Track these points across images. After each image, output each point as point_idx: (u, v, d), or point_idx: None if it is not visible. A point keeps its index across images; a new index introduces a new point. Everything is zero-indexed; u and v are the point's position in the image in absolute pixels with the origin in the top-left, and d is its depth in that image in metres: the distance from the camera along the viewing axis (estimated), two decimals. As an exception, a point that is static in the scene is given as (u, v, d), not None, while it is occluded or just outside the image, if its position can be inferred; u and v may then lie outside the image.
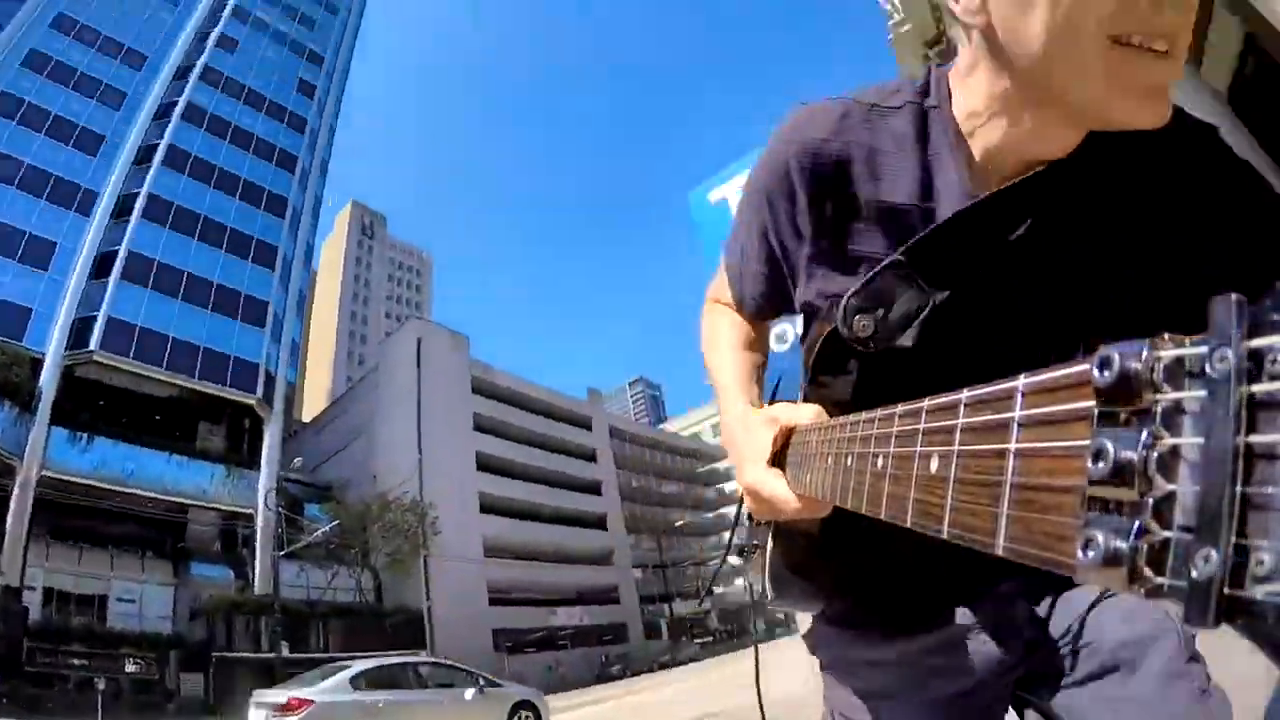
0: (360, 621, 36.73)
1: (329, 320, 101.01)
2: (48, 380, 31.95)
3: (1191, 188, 0.80)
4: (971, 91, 0.83)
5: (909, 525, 0.48)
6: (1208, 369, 0.28)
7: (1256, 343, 0.27)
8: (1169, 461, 0.30)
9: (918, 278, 0.79)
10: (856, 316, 0.80)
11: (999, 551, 0.38)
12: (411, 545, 39.00)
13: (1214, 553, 0.26)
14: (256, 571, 35.35)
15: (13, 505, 28.84)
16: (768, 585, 0.96)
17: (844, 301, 0.81)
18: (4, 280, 33.13)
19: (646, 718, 15.76)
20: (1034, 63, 0.72)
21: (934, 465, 0.45)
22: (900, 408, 0.53)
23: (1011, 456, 0.38)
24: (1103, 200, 0.81)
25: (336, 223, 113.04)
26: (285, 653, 27.86)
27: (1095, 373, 0.32)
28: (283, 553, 31.93)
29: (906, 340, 0.81)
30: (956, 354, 0.81)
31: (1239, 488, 0.26)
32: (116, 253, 36.19)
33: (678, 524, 65.69)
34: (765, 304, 1.06)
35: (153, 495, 33.65)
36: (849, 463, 0.61)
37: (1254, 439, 0.26)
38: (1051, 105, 0.75)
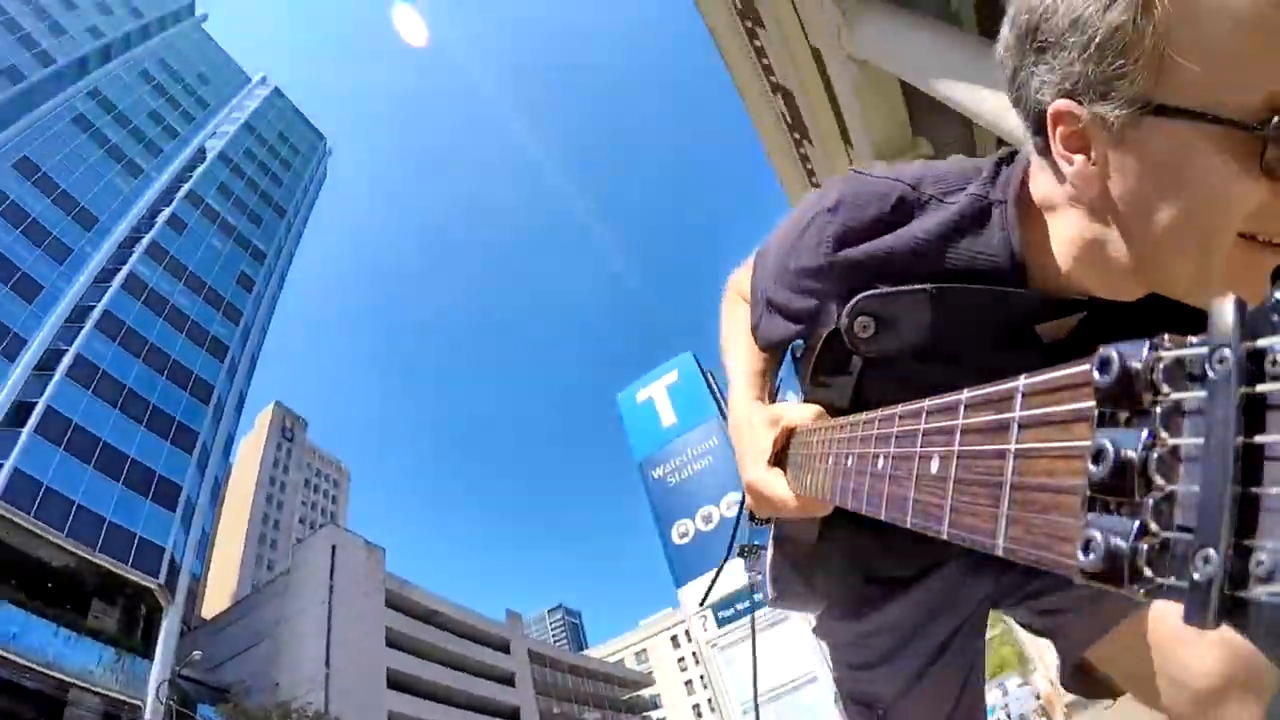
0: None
1: (239, 519, 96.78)
2: None
3: None
4: (1054, 224, 0.79)
5: (909, 525, 0.48)
6: (1207, 369, 0.28)
7: (1256, 343, 0.27)
8: (1169, 462, 0.30)
9: (937, 315, 0.79)
10: (860, 318, 0.79)
11: (999, 552, 0.38)
12: (314, 760, 36.69)
13: (1214, 553, 0.26)
14: (141, 770, 32.62)
15: None
16: (769, 586, 0.95)
17: (853, 303, 0.80)
18: None
19: None
20: (1153, 243, 0.68)
21: (934, 466, 0.45)
22: (900, 408, 0.53)
23: (1011, 457, 0.38)
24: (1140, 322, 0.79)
25: (258, 421, 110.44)
26: None
27: (1095, 373, 0.32)
28: (172, 755, 29.26)
29: (903, 356, 0.82)
30: (955, 361, 0.83)
31: (1239, 488, 0.26)
32: (34, 405, 34.46)
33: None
34: (772, 342, 1.04)
35: (33, 666, 30.92)
36: (849, 463, 0.61)
37: (1254, 439, 0.26)
38: (1146, 277, 0.72)
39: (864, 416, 0.61)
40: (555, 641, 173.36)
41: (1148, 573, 0.29)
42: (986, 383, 0.64)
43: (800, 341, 1.01)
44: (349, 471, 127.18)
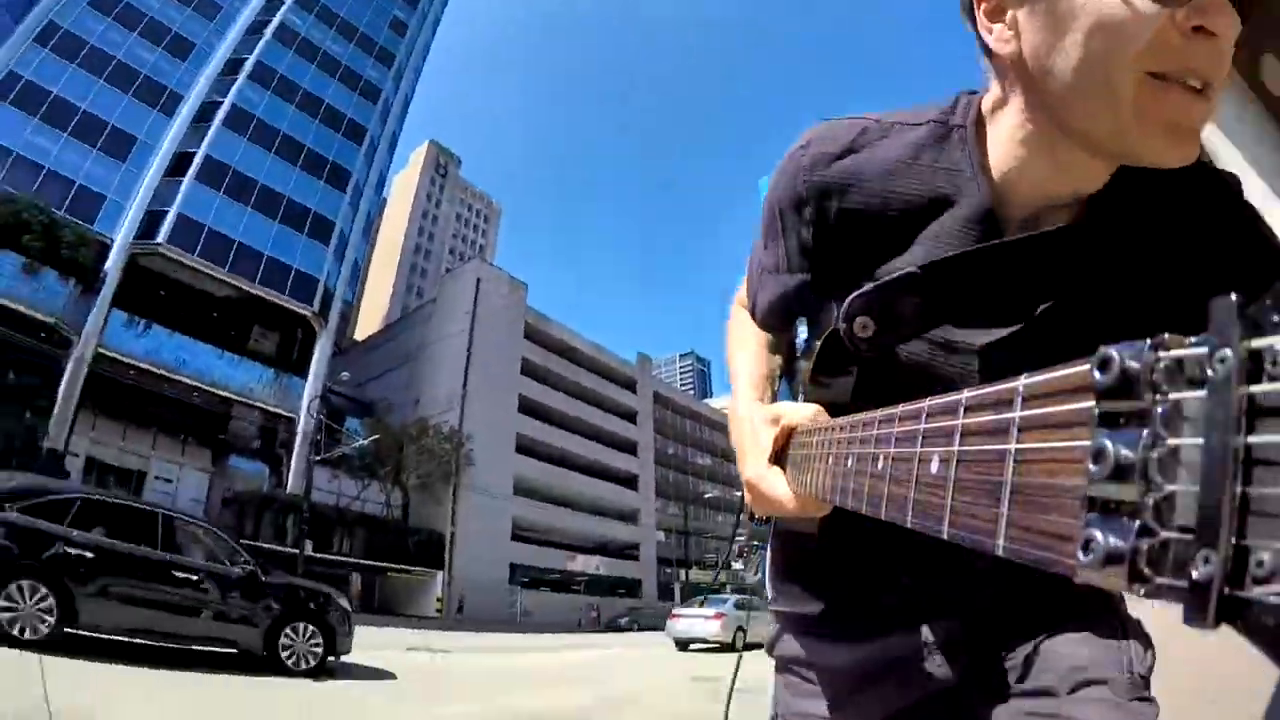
0: (384, 534, 37.96)
1: (393, 249, 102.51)
2: (113, 265, 33.43)
3: (1205, 241, 0.79)
4: (999, 125, 0.82)
5: (909, 526, 0.49)
6: (1208, 369, 0.28)
7: (1256, 343, 0.27)
8: (1169, 462, 0.30)
9: (930, 296, 0.78)
10: (858, 319, 0.79)
11: (999, 552, 0.38)
12: (443, 471, 40.34)
13: (1213, 553, 0.26)
14: (291, 471, 36.84)
15: (66, 376, 30.65)
16: (766, 584, 0.96)
17: (847, 302, 0.79)
18: (83, 165, 34.50)
19: (641, 668, 15.61)
20: (1065, 93, 0.71)
21: (934, 466, 0.45)
22: (901, 409, 0.53)
23: (1011, 458, 0.38)
24: (1120, 246, 0.80)
25: (411, 159, 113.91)
26: (309, 551, 28.89)
27: (1095, 374, 0.32)
28: (319, 458, 33.07)
29: (904, 350, 0.82)
30: (954, 350, 0.85)
31: (1239, 488, 0.26)
32: (194, 154, 37.52)
33: (706, 495, 65.67)
34: (774, 314, 1.06)
35: (200, 386, 35.24)
36: (849, 463, 0.61)
37: (1254, 440, 0.26)
38: (1079, 139, 0.74)
39: (864, 417, 0.61)
40: (682, 385, 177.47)
41: (1148, 573, 0.29)
42: (986, 369, 0.75)
43: (803, 342, 1.04)
44: (500, 209, 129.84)
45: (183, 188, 36.26)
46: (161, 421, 35.49)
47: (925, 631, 0.97)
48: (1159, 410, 0.30)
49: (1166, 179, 0.74)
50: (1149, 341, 0.32)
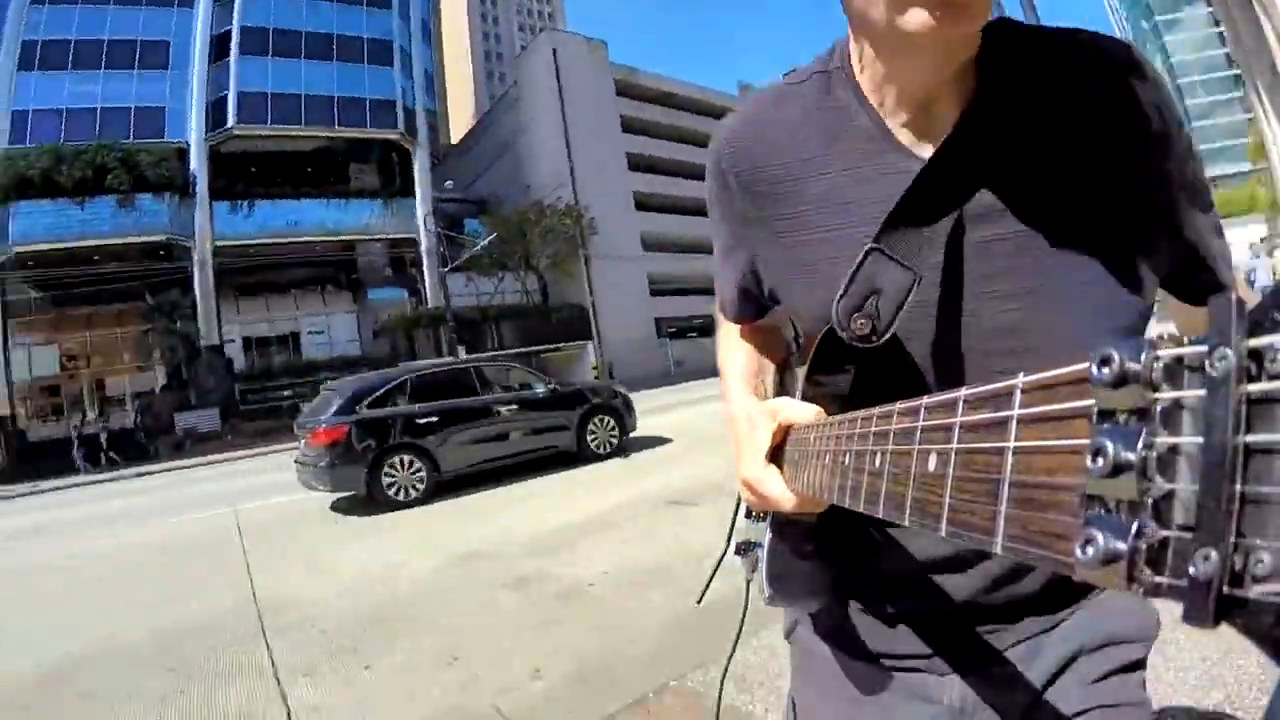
0: (529, 320, 39.66)
1: (460, 45, 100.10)
2: (198, 164, 34.96)
3: (1101, 112, 0.80)
4: (857, 53, 0.87)
5: (907, 523, 0.49)
6: (1207, 368, 0.28)
7: (1256, 342, 0.27)
8: (1168, 460, 0.30)
9: (895, 258, 0.78)
10: (853, 317, 0.78)
11: (997, 550, 0.38)
12: (570, 247, 41.09)
13: (1213, 552, 0.26)
14: (427, 288, 38.80)
15: (196, 279, 33.74)
16: (765, 582, 0.95)
17: (836, 306, 0.78)
18: (130, 90, 35.29)
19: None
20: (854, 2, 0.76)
21: (932, 463, 0.45)
22: (899, 405, 0.53)
23: (1010, 454, 0.38)
24: (1025, 134, 0.80)
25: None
26: (462, 354, 30.25)
27: (1094, 371, 0.32)
28: (448, 268, 34.64)
29: (901, 324, 0.80)
30: (945, 337, 0.84)
31: (1239, 487, 0.26)
32: (230, 31, 37.17)
33: None
34: (740, 301, 1.10)
35: (319, 239, 37.16)
36: (846, 461, 0.61)
37: (1254, 438, 0.26)
38: (877, 39, 0.79)
39: (861, 414, 0.60)
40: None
41: (1147, 572, 0.29)
42: (974, 345, 0.78)
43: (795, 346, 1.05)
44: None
45: (232, 67, 36.47)
46: (296, 283, 38.28)
47: (938, 661, 0.98)
48: (1158, 408, 0.30)
49: (1048, 57, 0.80)
50: (1149, 340, 0.31)
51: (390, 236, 39.49)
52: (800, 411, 0.81)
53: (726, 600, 1.29)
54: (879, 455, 0.54)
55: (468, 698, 3.75)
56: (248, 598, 6.32)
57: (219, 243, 34.41)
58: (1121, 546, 0.30)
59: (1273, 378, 0.26)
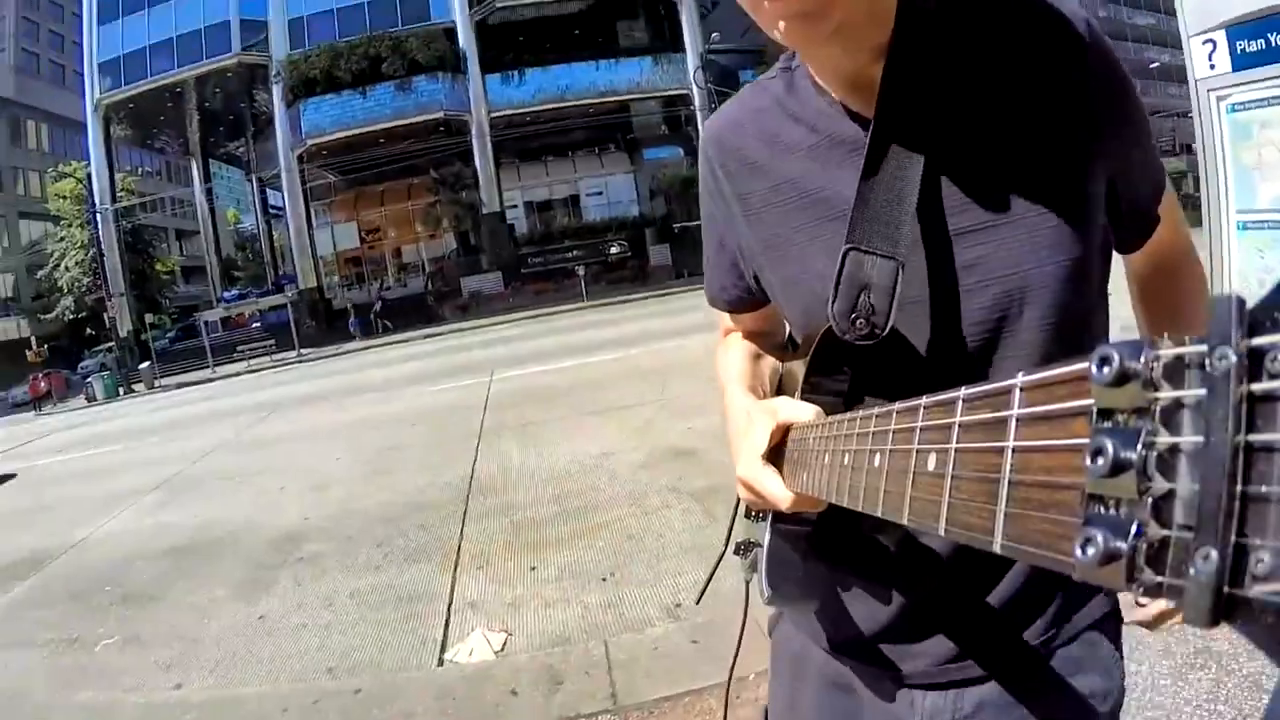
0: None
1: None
2: (465, 41, 35.93)
3: (1048, 81, 0.83)
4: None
5: (906, 523, 0.49)
6: (1207, 367, 0.28)
7: (1256, 341, 0.27)
8: (1168, 460, 0.30)
9: (872, 251, 0.80)
10: (851, 318, 0.80)
11: (997, 549, 0.38)
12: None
13: (1213, 551, 0.26)
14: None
15: (475, 150, 35.69)
16: (764, 583, 0.93)
17: (830, 311, 0.79)
18: None
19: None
20: None
21: (931, 463, 0.45)
22: (898, 405, 0.52)
23: (1009, 454, 0.38)
24: (965, 93, 0.84)
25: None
26: None
27: (1094, 370, 0.32)
28: (725, 121, 33.26)
29: (898, 321, 0.80)
30: (940, 331, 0.85)
31: (1239, 486, 0.26)
32: None
33: (1152, 66, 54.32)
34: (729, 292, 1.14)
35: (592, 100, 37.39)
36: (845, 460, 0.61)
37: (1254, 437, 0.26)
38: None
39: (860, 413, 0.60)
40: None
41: (1147, 571, 0.29)
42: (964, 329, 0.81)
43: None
44: None
45: None
46: (573, 145, 39.59)
47: (914, 663, 0.98)
48: (1158, 408, 0.30)
49: (974, 17, 0.84)
50: (1149, 339, 0.31)
51: (663, 94, 38.81)
52: (799, 411, 0.82)
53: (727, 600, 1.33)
54: (878, 455, 0.54)
55: (608, 617, 3.98)
56: (466, 476, 6.98)
57: (494, 114, 35.70)
58: (1121, 546, 0.30)
59: (1273, 377, 0.26)
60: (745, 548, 1.02)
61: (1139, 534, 0.29)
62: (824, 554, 0.91)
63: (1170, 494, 0.29)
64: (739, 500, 1.04)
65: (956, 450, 0.43)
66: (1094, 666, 0.96)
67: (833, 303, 0.80)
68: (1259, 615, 0.25)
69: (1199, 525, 0.27)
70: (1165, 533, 0.29)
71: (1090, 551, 0.30)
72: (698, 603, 1.55)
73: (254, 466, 9.68)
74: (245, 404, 17.47)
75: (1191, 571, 0.27)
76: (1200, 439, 0.28)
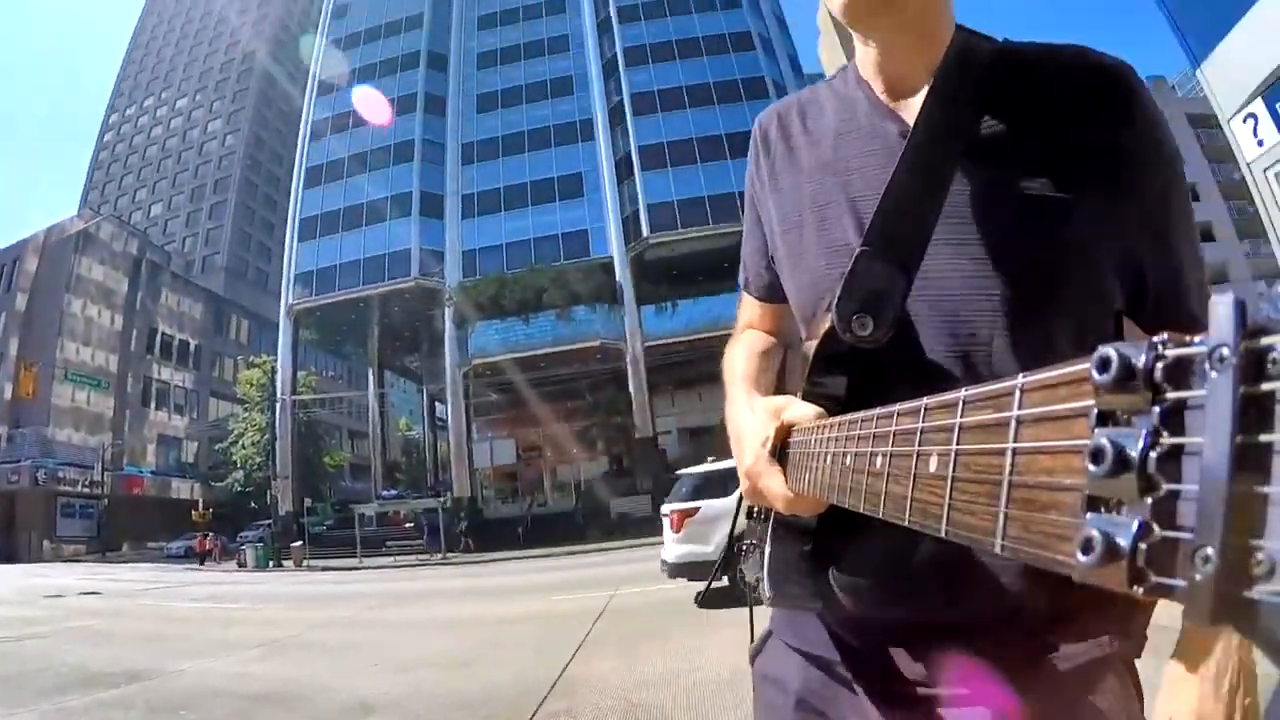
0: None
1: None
2: (622, 274, 38.88)
3: (1086, 124, 0.84)
4: (856, 48, 1.02)
5: (907, 524, 0.48)
6: (1208, 368, 0.28)
7: (1256, 342, 0.27)
8: (1169, 461, 0.29)
9: (885, 257, 0.82)
10: (854, 318, 0.80)
11: (997, 550, 0.38)
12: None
13: (1213, 552, 0.26)
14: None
15: (630, 378, 37.26)
16: (766, 583, 0.93)
17: (833, 307, 0.81)
18: (555, 219, 41.37)
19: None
20: None
21: (933, 464, 0.45)
22: (899, 406, 0.52)
23: (1011, 455, 0.38)
24: (1005, 126, 0.86)
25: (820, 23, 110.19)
26: None
27: (1095, 372, 0.32)
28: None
29: (901, 324, 0.82)
30: (943, 336, 0.85)
31: (1239, 487, 0.26)
32: (630, 153, 41.38)
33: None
34: (761, 276, 1.17)
35: None
36: (847, 461, 0.61)
37: (1254, 438, 0.26)
38: (846, 30, 0.94)
39: (862, 414, 0.60)
40: None
41: (1147, 572, 0.29)
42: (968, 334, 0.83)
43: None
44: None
45: (638, 183, 40.16)
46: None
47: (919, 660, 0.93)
48: (1159, 409, 0.30)
49: (1025, 60, 0.89)
50: (1149, 340, 0.31)
51: (808, 328, 39.83)
52: (802, 411, 0.81)
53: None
54: (880, 456, 0.54)
55: None
56: (551, 677, 6.87)
57: (648, 343, 37.61)
58: (1122, 546, 0.30)
59: (1273, 378, 0.26)
60: (747, 548, 1.02)
61: (1140, 534, 0.29)
62: (826, 555, 0.89)
63: (1171, 495, 0.29)
64: (740, 500, 1.04)
65: (958, 451, 0.42)
66: (1107, 690, 0.88)
67: (837, 302, 0.81)
68: (1259, 615, 0.25)
69: (1199, 525, 0.27)
70: (1166, 533, 0.29)
71: (1091, 552, 0.30)
72: (699, 604, 1.39)
73: (358, 641, 10.21)
74: (375, 590, 18.35)
75: (1193, 572, 0.27)
76: (1201, 439, 0.28)
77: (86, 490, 48.43)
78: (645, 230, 38.60)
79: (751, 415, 0.90)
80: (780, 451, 0.84)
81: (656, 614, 10.05)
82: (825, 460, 0.68)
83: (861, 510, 0.57)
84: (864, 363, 0.84)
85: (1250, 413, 0.26)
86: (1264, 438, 0.26)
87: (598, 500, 37.50)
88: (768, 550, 0.93)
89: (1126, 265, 0.84)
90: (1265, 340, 0.27)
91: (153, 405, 57.68)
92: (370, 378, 52.36)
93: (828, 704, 1.00)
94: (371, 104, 44.24)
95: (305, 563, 33.21)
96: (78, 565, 38.80)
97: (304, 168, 46.86)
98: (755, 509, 1.01)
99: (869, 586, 0.90)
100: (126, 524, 49.23)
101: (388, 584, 21.04)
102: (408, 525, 37.41)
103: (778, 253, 1.07)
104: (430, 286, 40.69)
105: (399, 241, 41.84)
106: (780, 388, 1.08)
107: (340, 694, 7.01)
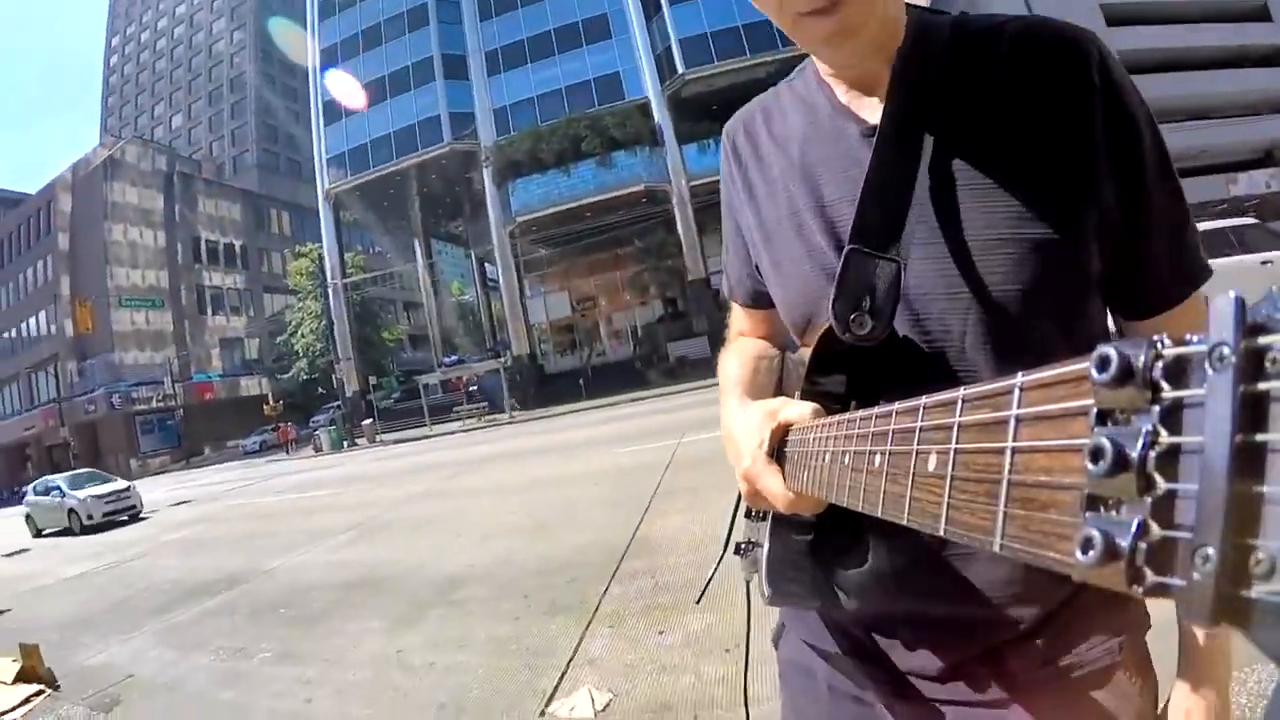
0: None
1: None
2: (660, 115, 37.51)
3: (1051, 97, 0.83)
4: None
5: (906, 523, 0.48)
6: (1207, 367, 0.28)
7: (1256, 341, 0.27)
8: (1168, 460, 0.30)
9: (875, 253, 0.82)
10: (852, 318, 0.81)
11: (996, 549, 0.38)
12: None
13: (1212, 551, 0.26)
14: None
15: (678, 219, 36.59)
16: (764, 582, 0.92)
17: (831, 309, 0.82)
18: (584, 64, 39.84)
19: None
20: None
21: (932, 463, 0.45)
22: (898, 405, 0.52)
23: (1009, 454, 0.38)
24: (970, 109, 0.86)
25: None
26: None
27: (1094, 370, 0.32)
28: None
29: (898, 322, 0.82)
30: (940, 333, 0.86)
31: (1239, 486, 0.26)
32: None
33: None
34: (745, 283, 1.18)
35: None
36: (846, 460, 0.61)
37: (1254, 437, 0.26)
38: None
39: (861, 413, 0.60)
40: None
41: (1147, 572, 0.29)
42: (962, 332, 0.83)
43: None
44: None
45: (667, 18, 38.06)
46: None
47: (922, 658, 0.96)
48: (1158, 408, 0.30)
49: (984, 37, 0.89)
50: (1148, 339, 0.31)
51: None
52: (799, 411, 0.81)
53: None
54: (878, 455, 0.54)
55: (719, 690, 3.81)
56: (627, 536, 7.03)
57: (693, 182, 36.34)
58: (1121, 546, 0.30)
59: (1272, 377, 0.26)
60: (746, 547, 1.03)
61: (1139, 534, 0.29)
62: (825, 554, 0.90)
63: (1170, 494, 0.29)
64: (739, 500, 1.07)
65: (956, 450, 0.42)
66: (1112, 685, 0.90)
67: (833, 302, 0.81)
68: (1259, 615, 0.25)
69: (1199, 525, 0.27)
70: (1165, 533, 0.29)
71: (1090, 552, 0.31)
72: (698, 602, 1.53)
73: (439, 515, 10.63)
74: (449, 459, 19.09)
75: (1192, 572, 0.27)
76: (1200, 438, 0.28)
77: (161, 405, 51.57)
78: (680, 67, 37.06)
79: (745, 418, 0.89)
80: (778, 451, 0.83)
81: (721, 461, 9.72)
82: (823, 459, 0.68)
83: (860, 509, 0.58)
84: (862, 362, 0.84)
85: (1250, 412, 0.26)
86: (1263, 437, 0.26)
87: (655, 345, 38.02)
88: (765, 549, 0.93)
89: (1105, 230, 0.84)
90: (1265, 339, 0.26)
91: (209, 312, 59.49)
92: (417, 248, 52.53)
93: (855, 691, 1.03)
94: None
95: (378, 438, 34.13)
96: (164, 477, 41.39)
97: (318, 49, 45.72)
98: (753, 510, 1.01)
99: (868, 585, 0.90)
100: (204, 429, 51.79)
101: (459, 450, 21.64)
102: (471, 389, 37.99)
103: (761, 261, 1.07)
104: (465, 149, 39.86)
105: (427, 109, 41.00)
106: (780, 391, 1.06)
107: (428, 570, 7.34)
